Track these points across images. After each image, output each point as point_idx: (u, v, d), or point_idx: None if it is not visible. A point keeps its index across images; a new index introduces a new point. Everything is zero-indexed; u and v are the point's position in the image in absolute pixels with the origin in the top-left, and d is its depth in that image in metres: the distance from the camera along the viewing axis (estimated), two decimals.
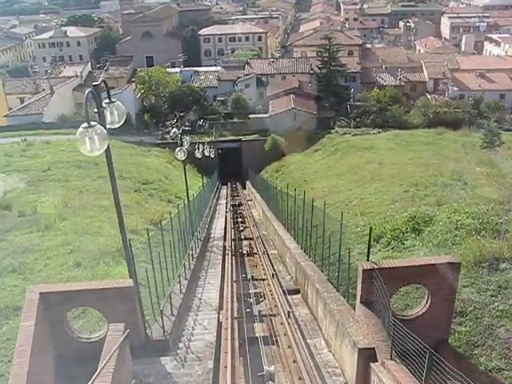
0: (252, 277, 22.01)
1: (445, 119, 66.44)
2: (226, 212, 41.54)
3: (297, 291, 19.40)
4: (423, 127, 65.09)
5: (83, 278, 17.68)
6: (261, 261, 25.67)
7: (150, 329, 14.42)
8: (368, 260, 13.97)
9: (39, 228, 24.50)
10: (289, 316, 16.17)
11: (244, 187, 62.98)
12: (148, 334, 14.23)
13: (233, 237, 32.20)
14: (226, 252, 27.39)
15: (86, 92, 10.57)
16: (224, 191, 58.73)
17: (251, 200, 50.43)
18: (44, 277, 18.28)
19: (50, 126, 66.93)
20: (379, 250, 19.40)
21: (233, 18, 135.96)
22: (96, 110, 10.78)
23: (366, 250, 15.43)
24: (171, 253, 19.63)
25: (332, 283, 16.68)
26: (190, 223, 26.05)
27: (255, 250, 28.65)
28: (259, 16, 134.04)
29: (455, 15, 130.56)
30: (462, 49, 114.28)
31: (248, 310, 17.76)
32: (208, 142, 61.67)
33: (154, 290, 15.77)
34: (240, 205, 47.67)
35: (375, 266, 12.87)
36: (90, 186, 39.71)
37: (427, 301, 13.24)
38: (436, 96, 76.87)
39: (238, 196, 56.51)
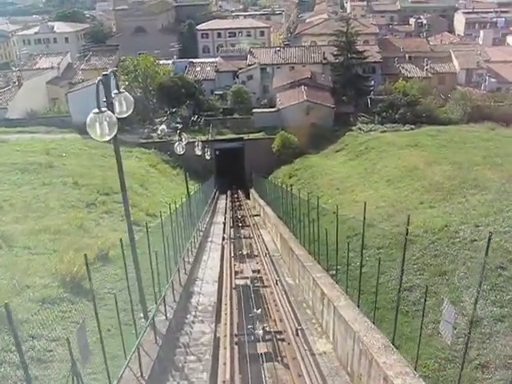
0: None
1: (489, 114, 52.25)
2: (224, 240, 26.46)
3: None
4: (464, 123, 50.81)
5: None
6: None
7: None
8: None
9: None
10: None
11: (247, 196, 48.45)
12: None
13: (237, 320, 15.67)
14: None
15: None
16: (222, 203, 44.17)
17: (258, 215, 35.89)
18: None
19: (14, 122, 52.66)
20: None
21: (233, 14, 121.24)
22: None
23: None
24: None
25: None
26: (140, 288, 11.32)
27: None
28: (261, 12, 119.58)
29: (470, 11, 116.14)
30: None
31: None
32: (203, 141, 47.16)
33: None
34: (245, 226, 32.74)
35: None
36: (21, 198, 25.45)
37: None
38: (470, 89, 62.32)
39: (240, 209, 41.86)
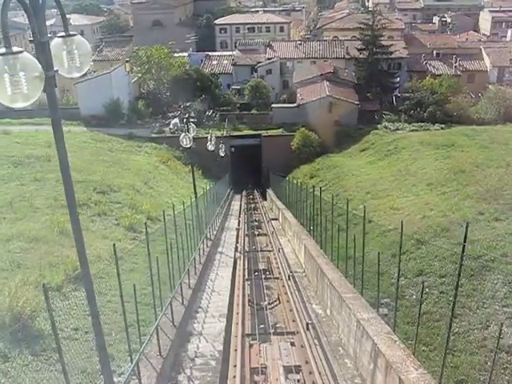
0: None
1: None
2: (237, 253, 22.30)
3: None
4: (500, 123, 46.59)
5: None
6: None
7: None
8: None
9: None
10: None
11: (264, 197, 44.59)
12: None
13: None
14: None
15: None
16: (236, 204, 40.25)
17: (276, 219, 31.95)
18: None
19: (20, 113, 49.12)
20: None
21: (252, 10, 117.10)
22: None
23: None
24: None
25: None
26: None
27: None
28: (281, 8, 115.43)
29: (497, 9, 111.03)
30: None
31: None
32: (218, 137, 43.53)
33: None
34: (262, 234, 28.60)
35: None
36: (4, 195, 21.71)
37: None
38: (502, 87, 57.78)
39: (256, 211, 37.92)
